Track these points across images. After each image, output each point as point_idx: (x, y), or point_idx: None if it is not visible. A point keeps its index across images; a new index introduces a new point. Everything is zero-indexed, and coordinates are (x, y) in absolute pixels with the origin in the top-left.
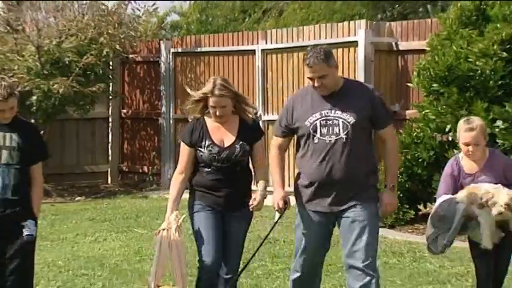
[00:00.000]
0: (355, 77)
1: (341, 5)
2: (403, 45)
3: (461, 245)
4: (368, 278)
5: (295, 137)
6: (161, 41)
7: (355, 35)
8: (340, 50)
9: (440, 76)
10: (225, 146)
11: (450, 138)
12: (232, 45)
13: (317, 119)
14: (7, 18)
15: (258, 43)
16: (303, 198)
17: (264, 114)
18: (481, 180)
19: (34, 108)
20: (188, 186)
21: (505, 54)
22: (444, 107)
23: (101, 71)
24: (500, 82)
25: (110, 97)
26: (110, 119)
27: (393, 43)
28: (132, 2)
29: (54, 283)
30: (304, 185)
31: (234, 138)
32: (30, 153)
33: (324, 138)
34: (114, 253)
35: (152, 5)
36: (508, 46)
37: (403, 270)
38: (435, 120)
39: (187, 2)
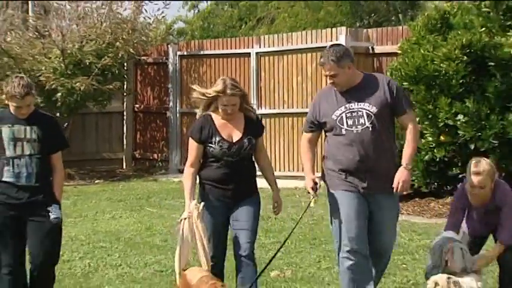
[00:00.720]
0: None
1: (324, 14)
2: (378, 49)
3: (427, 221)
4: (385, 261)
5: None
6: (169, 45)
7: (336, 40)
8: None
9: (410, 76)
10: (234, 141)
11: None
12: (231, 48)
13: (342, 112)
14: (36, 26)
15: (252, 47)
16: (338, 181)
17: (258, 109)
18: (486, 212)
19: (59, 103)
20: (198, 179)
21: (465, 57)
22: (413, 102)
23: (116, 71)
24: (461, 81)
25: (125, 94)
26: (125, 113)
27: (369, 47)
28: (144, 11)
29: (76, 254)
30: (336, 171)
31: (241, 133)
32: (49, 143)
33: (351, 129)
34: (129, 228)
35: (161, 14)
36: (468, 50)
37: None
38: None
39: (192, 11)
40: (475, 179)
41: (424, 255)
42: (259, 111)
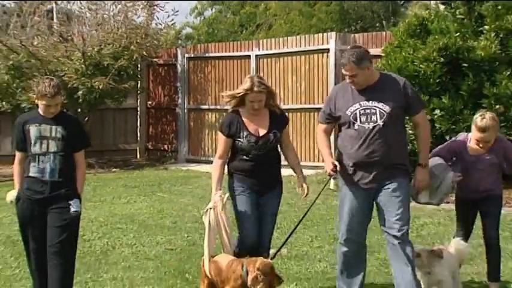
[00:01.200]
0: (327, 77)
1: (316, 21)
2: None
3: None
4: (403, 245)
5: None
6: (178, 49)
7: (327, 43)
8: (315, 55)
9: None
10: (261, 135)
11: None
12: (233, 51)
13: (357, 109)
14: (60, 31)
15: (252, 50)
16: (346, 177)
17: None
18: (483, 160)
19: (80, 100)
20: (227, 170)
21: (442, 59)
22: None
23: (131, 72)
24: (438, 80)
25: (138, 92)
26: (138, 109)
27: None
28: (156, 18)
29: (96, 234)
30: (347, 165)
31: (267, 127)
32: (73, 142)
33: (363, 125)
34: (142, 212)
35: (170, 20)
36: (444, 53)
37: None
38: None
39: (198, 18)
40: (481, 135)
41: None
42: None
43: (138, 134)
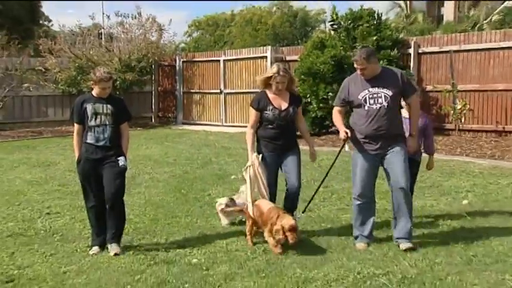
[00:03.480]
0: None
1: (259, 39)
2: (288, 58)
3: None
4: (408, 193)
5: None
6: (176, 56)
7: (266, 53)
8: (259, 60)
9: (304, 72)
10: (283, 109)
11: (309, 100)
12: (209, 57)
13: (366, 94)
14: (105, 45)
15: (221, 56)
16: (357, 146)
17: (224, 90)
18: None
19: (118, 87)
20: (256, 138)
21: (333, 62)
22: (306, 86)
23: (148, 70)
24: (331, 75)
25: (153, 82)
26: (153, 92)
27: (283, 57)
28: (163, 37)
29: (128, 166)
30: (358, 137)
31: (287, 104)
32: (119, 116)
33: (372, 106)
34: (155, 153)
35: (172, 39)
36: (334, 59)
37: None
38: (302, 93)
39: (189, 38)
40: None
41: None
42: (225, 91)
43: (153, 107)
